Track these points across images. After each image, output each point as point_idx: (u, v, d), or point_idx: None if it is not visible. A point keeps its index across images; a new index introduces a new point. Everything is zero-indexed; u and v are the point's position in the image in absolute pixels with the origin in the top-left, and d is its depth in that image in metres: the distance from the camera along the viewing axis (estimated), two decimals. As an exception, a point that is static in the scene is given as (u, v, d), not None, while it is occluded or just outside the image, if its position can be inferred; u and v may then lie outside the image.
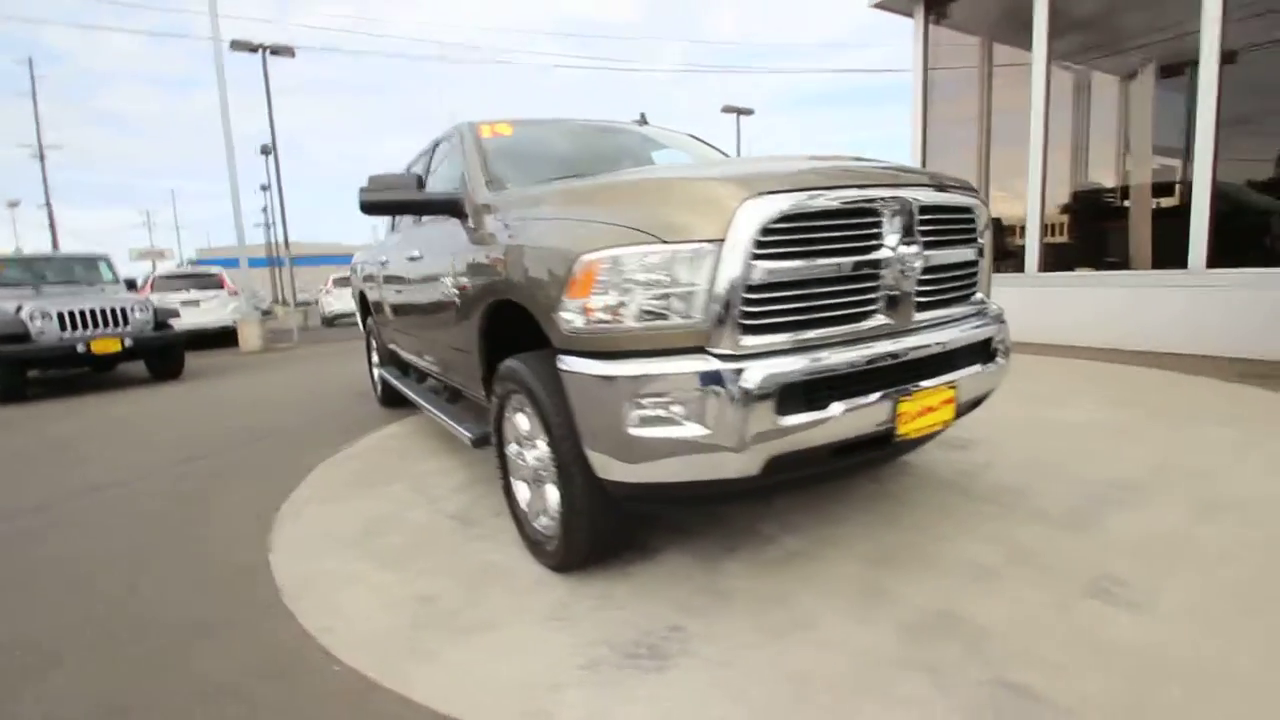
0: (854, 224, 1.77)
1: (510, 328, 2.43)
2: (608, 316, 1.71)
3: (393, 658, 1.79)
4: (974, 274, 2.16)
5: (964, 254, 2.08)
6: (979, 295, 2.23)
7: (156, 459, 4.06)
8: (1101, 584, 1.89)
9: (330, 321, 18.19)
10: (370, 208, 2.75)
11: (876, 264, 1.81)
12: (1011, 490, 2.60)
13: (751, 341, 1.67)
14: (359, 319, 5.85)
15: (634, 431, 1.67)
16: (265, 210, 32.04)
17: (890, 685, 1.54)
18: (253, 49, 15.87)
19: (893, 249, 1.83)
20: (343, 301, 18.03)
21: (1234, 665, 1.52)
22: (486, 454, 3.57)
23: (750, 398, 1.61)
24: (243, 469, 3.74)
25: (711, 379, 1.62)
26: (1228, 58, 4.55)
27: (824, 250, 1.73)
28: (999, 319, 2.22)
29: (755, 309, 1.66)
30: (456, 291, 2.62)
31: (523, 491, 2.39)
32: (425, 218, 3.30)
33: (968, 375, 2.03)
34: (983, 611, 1.80)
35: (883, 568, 2.08)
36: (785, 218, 1.66)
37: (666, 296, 1.66)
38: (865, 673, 1.59)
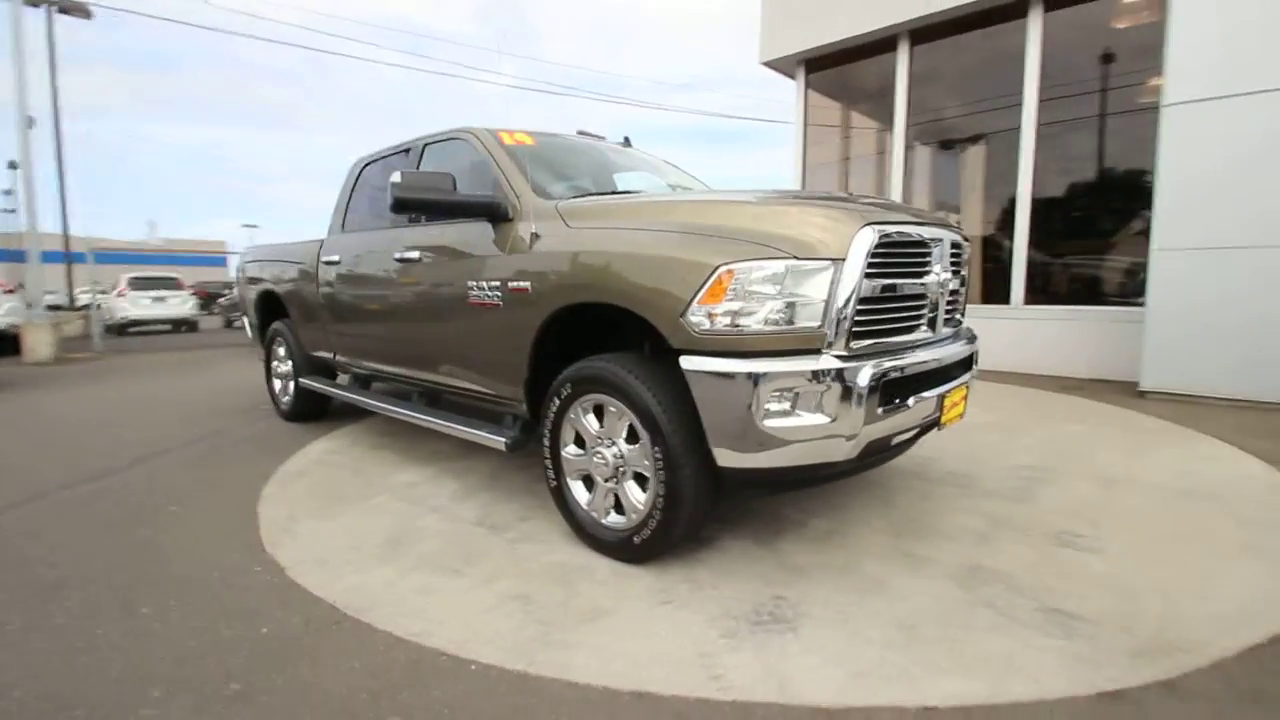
0: (918, 254, 2.19)
1: (568, 332, 2.53)
2: (738, 321, 1.93)
3: (529, 649, 1.81)
4: (962, 298, 2.71)
5: (959, 282, 2.61)
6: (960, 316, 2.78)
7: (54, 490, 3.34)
8: (1064, 538, 2.48)
9: (121, 329, 15.42)
10: (403, 205, 2.67)
11: (925, 286, 2.24)
12: (962, 475, 3.21)
13: (857, 345, 2.00)
14: (250, 326, 5.25)
15: (767, 422, 1.90)
16: (8, 193, 26.21)
17: (970, 619, 1.92)
18: (35, 3, 13.14)
19: (936, 275, 2.28)
20: (142, 307, 15.45)
21: (1174, 582, 2.13)
22: (472, 461, 3.56)
23: (864, 392, 1.93)
24: (169, 495, 3.25)
25: (836, 376, 1.91)
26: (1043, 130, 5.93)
27: (900, 272, 2.13)
28: (974, 335, 2.79)
29: (861, 318, 2.00)
30: (495, 295, 2.63)
31: (579, 492, 2.47)
32: (421, 218, 3.20)
33: (969, 378, 2.55)
34: (998, 563, 2.28)
35: (905, 539, 2.50)
36: (883, 244, 2.03)
37: (793, 304, 1.92)
38: (948, 613, 1.96)
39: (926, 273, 2.24)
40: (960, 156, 6.97)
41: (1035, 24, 5.84)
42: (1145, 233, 5.46)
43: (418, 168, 3.37)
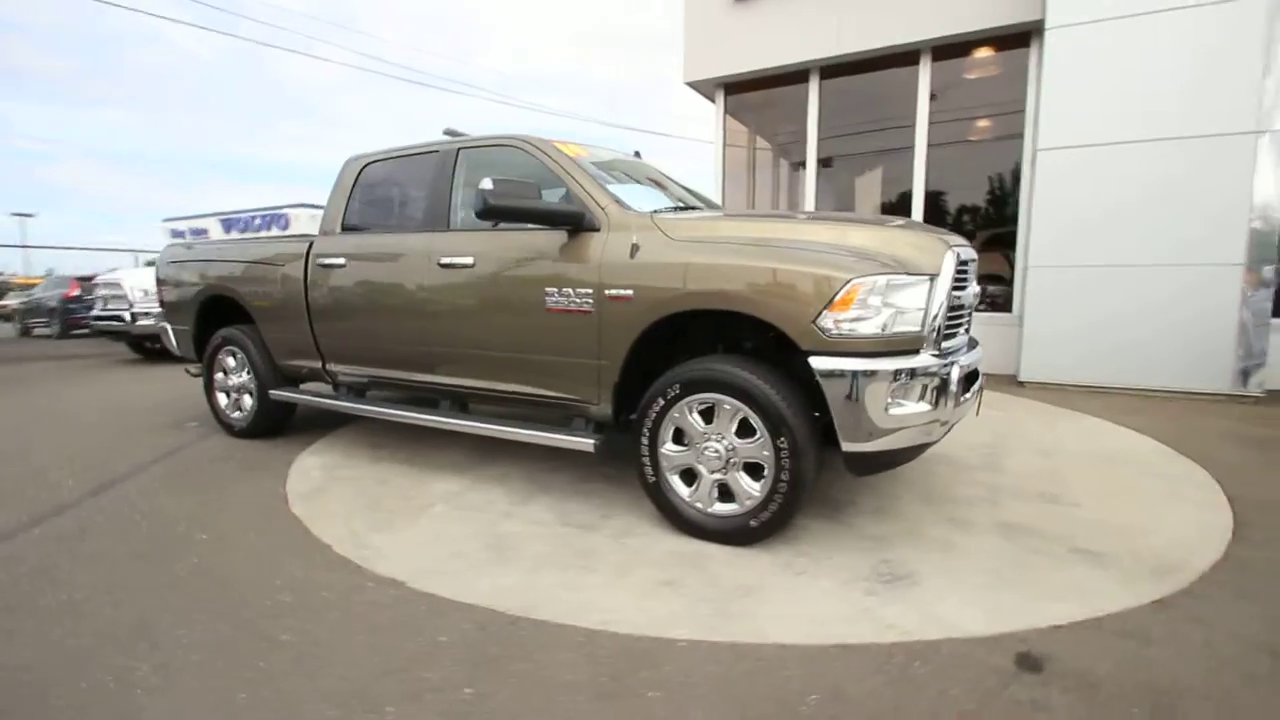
0: (966, 270, 2.68)
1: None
2: (859, 326, 2.27)
3: (715, 623, 2.00)
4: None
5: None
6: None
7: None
8: (1047, 496, 3.12)
9: None
10: (492, 212, 2.69)
11: (964, 298, 2.74)
12: (943, 455, 3.81)
13: (943, 346, 2.43)
14: (171, 334, 4.67)
15: (891, 411, 2.26)
16: None
17: (1030, 562, 2.42)
18: None
19: (971, 289, 2.78)
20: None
21: (1140, 522, 2.81)
22: (502, 467, 3.55)
23: (955, 385, 2.36)
24: (180, 521, 2.90)
25: (938, 372, 2.32)
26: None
27: (960, 286, 2.60)
28: (976, 341, 3.37)
29: (946, 323, 2.43)
30: (585, 302, 2.73)
31: (679, 486, 2.67)
32: (472, 223, 3.17)
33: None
34: (1018, 519, 2.83)
35: (937, 507, 2.99)
36: (959, 261, 2.48)
37: (904, 312, 2.30)
38: (1012, 559, 2.44)
39: (966, 286, 2.74)
40: (859, 176, 7.94)
41: (925, 69, 6.89)
42: (1010, 248, 6.69)
43: (453, 173, 3.32)
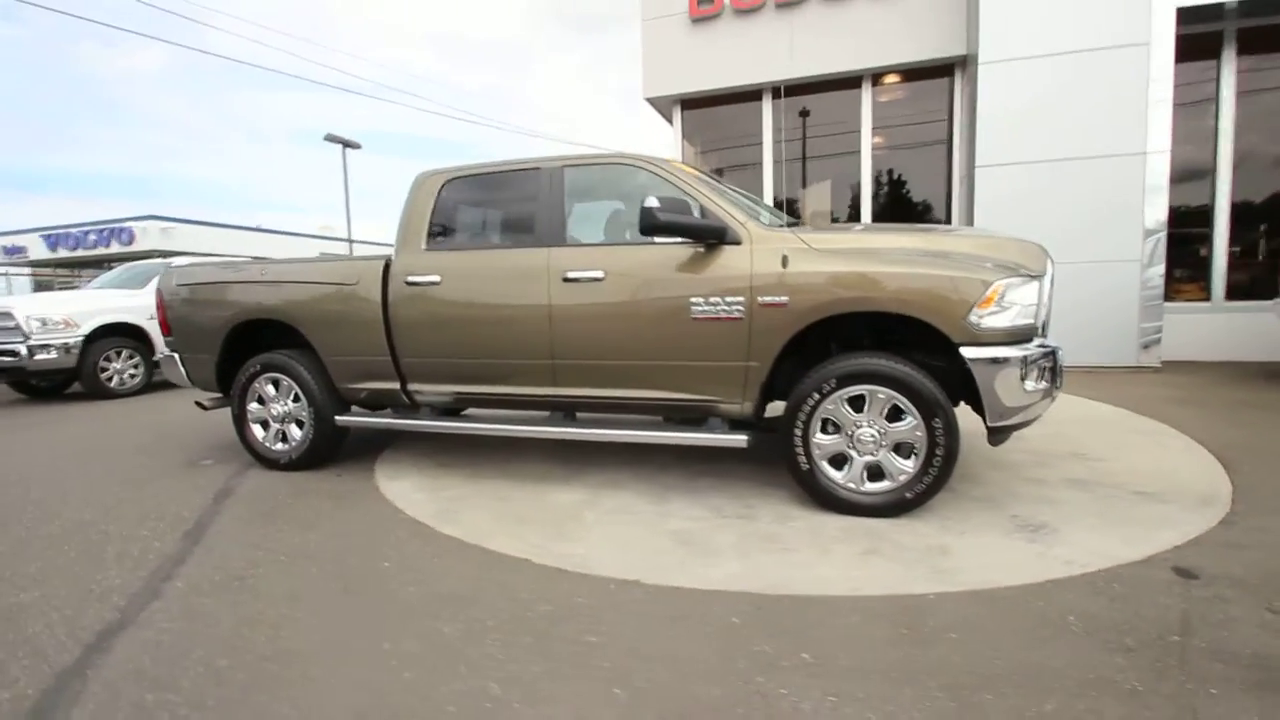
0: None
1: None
2: (998, 321, 2.74)
3: (953, 576, 2.35)
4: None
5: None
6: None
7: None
8: (1077, 457, 3.80)
9: None
10: (656, 228, 2.88)
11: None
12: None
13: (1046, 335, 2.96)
14: (182, 363, 4.26)
15: (1026, 385, 2.74)
16: None
17: (1114, 506, 3.01)
18: None
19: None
20: None
21: (1160, 469, 3.54)
22: (587, 474, 3.79)
23: (1060, 367, 2.90)
24: (327, 563, 2.77)
25: (1052, 355, 2.83)
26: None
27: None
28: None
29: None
30: (736, 309, 2.98)
31: (829, 470, 3.00)
32: (591, 238, 3.28)
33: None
34: (1076, 475, 3.45)
35: (1009, 470, 3.55)
36: (1053, 265, 3.03)
37: (1028, 307, 2.80)
38: (1099, 505, 3.02)
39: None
40: (809, 187, 8.69)
41: (867, 92, 7.75)
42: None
43: (563, 190, 3.41)
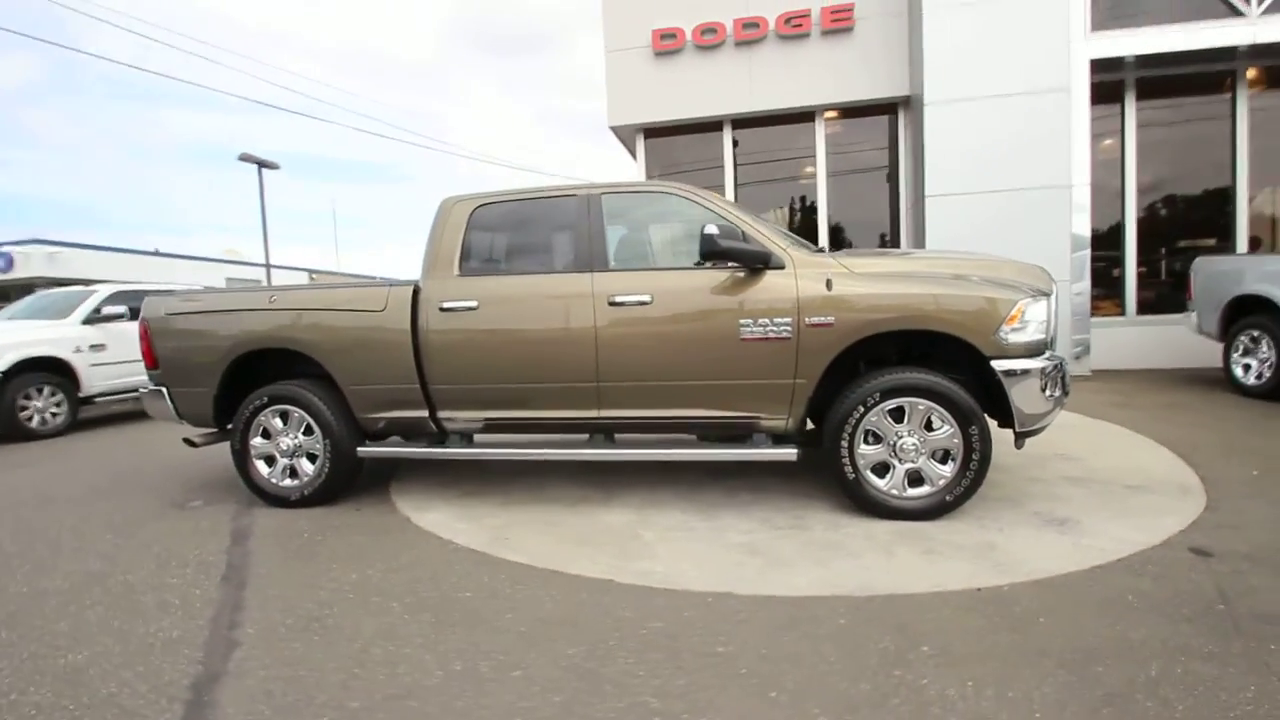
0: (1037, 291, 3.63)
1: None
2: (1020, 336, 3.05)
3: (1008, 572, 2.58)
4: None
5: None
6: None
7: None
8: (1064, 457, 4.21)
9: None
10: (715, 253, 3.03)
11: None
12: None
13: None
14: (175, 403, 3.97)
15: (1046, 393, 3.06)
16: None
17: (1113, 498, 3.37)
18: None
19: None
20: None
21: (1137, 465, 3.98)
22: (623, 492, 3.78)
23: (1070, 375, 3.25)
24: (404, 596, 2.68)
25: (1063, 366, 3.17)
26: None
27: (1040, 303, 3.53)
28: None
29: (1052, 331, 3.32)
30: (784, 329, 3.15)
31: (873, 478, 3.20)
32: (635, 263, 3.37)
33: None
34: (1069, 474, 3.82)
35: (1011, 471, 3.89)
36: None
37: (1041, 322, 3.13)
38: (1104, 497, 3.38)
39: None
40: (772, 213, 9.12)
41: (821, 126, 8.28)
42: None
43: (602, 216, 3.49)
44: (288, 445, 3.83)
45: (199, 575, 2.90)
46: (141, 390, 4.16)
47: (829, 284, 3.18)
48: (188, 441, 4.10)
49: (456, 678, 2.00)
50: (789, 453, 3.27)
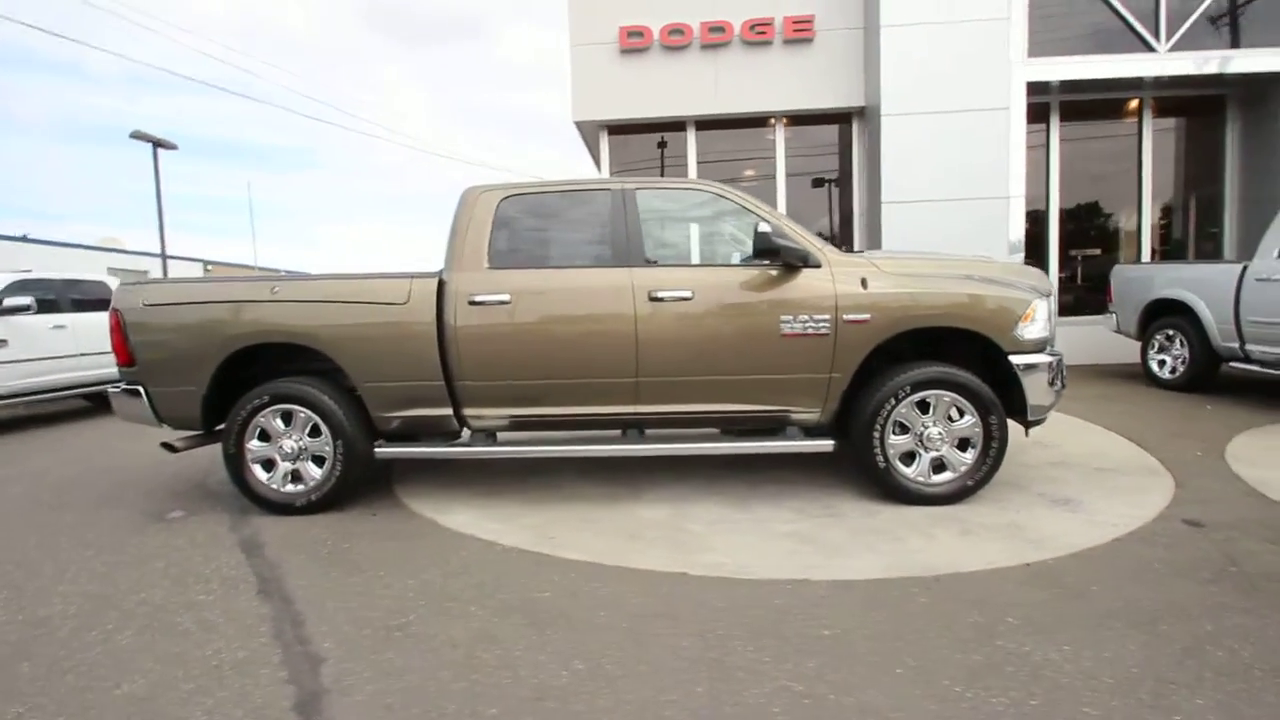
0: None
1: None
2: (1031, 333, 3.33)
3: (1046, 547, 2.82)
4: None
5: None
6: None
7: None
8: (1041, 445, 4.61)
9: None
10: (767, 251, 3.13)
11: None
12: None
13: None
14: (155, 403, 3.61)
15: (1050, 386, 3.35)
16: None
17: (1093, 478, 3.74)
18: None
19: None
20: None
21: (1101, 451, 4.43)
22: (650, 486, 3.79)
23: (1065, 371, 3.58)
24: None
25: (1061, 361, 3.49)
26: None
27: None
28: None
29: (1048, 329, 3.64)
30: (823, 325, 3.28)
31: (901, 466, 3.39)
32: (672, 259, 3.39)
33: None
34: (1051, 459, 4.20)
35: (1023, 454, 4.22)
36: (1048, 287, 3.72)
37: (1046, 320, 3.42)
38: (1088, 479, 3.75)
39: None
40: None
41: (780, 130, 8.58)
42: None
43: (638, 212, 3.48)
44: (291, 448, 3.56)
45: (229, 591, 2.66)
46: (111, 390, 3.72)
47: (864, 282, 3.33)
48: (167, 446, 3.72)
49: (585, 677, 1.97)
50: (826, 445, 3.40)
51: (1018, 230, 7.66)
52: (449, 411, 3.54)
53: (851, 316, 3.31)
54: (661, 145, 8.91)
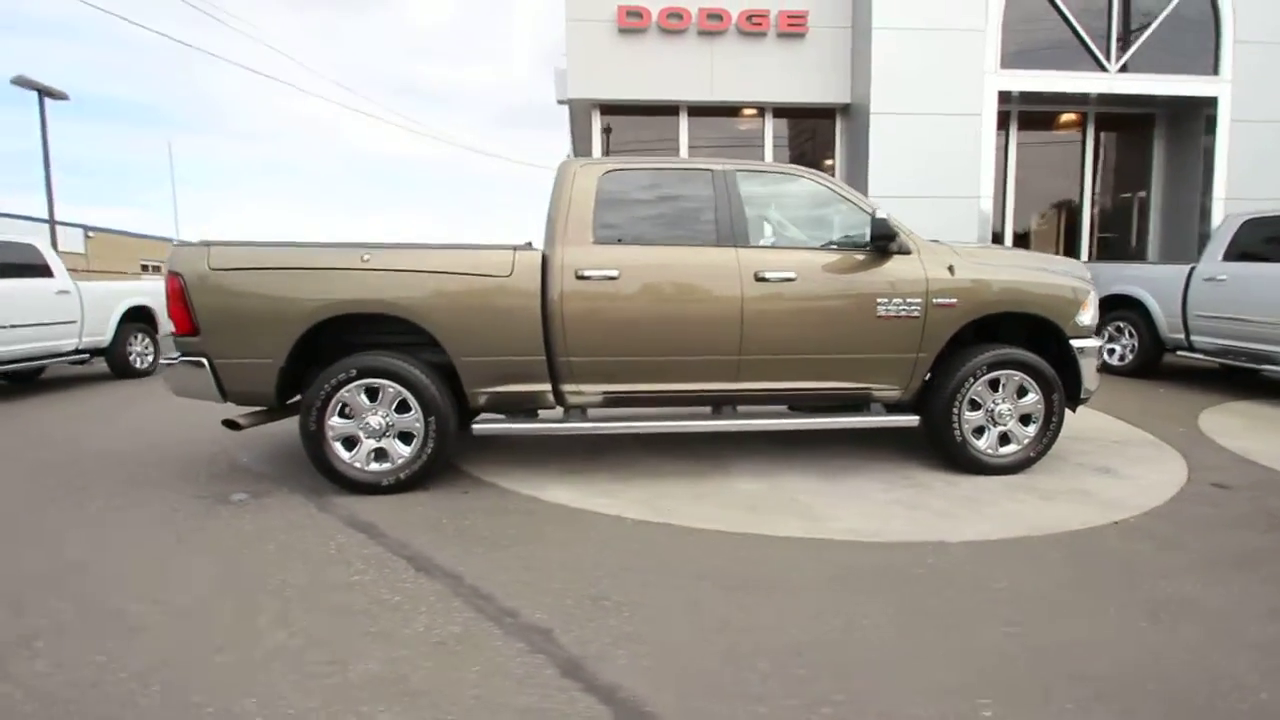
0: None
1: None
2: (1086, 319, 3.72)
3: (1116, 508, 3.19)
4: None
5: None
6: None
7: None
8: (1040, 421, 5.11)
9: None
10: (884, 237, 3.33)
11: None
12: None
13: (1092, 331, 4.06)
14: (222, 376, 3.34)
15: (1097, 370, 3.77)
16: None
17: (1110, 449, 4.24)
18: None
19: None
20: None
21: (1102, 427, 4.98)
22: (698, 465, 4.00)
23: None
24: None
25: (1103, 348, 3.92)
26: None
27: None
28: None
29: (1094, 318, 4.06)
30: (915, 308, 3.51)
31: (974, 440, 3.70)
32: (773, 240, 3.49)
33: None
34: (1069, 434, 4.68)
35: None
36: (1086, 280, 4.15)
37: (1094, 309, 3.83)
38: (1107, 451, 4.23)
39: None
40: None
41: (769, 121, 8.82)
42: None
43: (740, 193, 3.56)
44: (377, 424, 3.39)
45: (383, 570, 2.54)
46: (168, 361, 3.38)
47: (951, 269, 3.59)
48: (229, 424, 3.44)
49: (850, 631, 2.09)
50: (912, 420, 3.65)
51: (985, 227, 8.33)
52: (547, 387, 3.49)
53: (941, 300, 3.57)
54: (609, 129, 8.94)
